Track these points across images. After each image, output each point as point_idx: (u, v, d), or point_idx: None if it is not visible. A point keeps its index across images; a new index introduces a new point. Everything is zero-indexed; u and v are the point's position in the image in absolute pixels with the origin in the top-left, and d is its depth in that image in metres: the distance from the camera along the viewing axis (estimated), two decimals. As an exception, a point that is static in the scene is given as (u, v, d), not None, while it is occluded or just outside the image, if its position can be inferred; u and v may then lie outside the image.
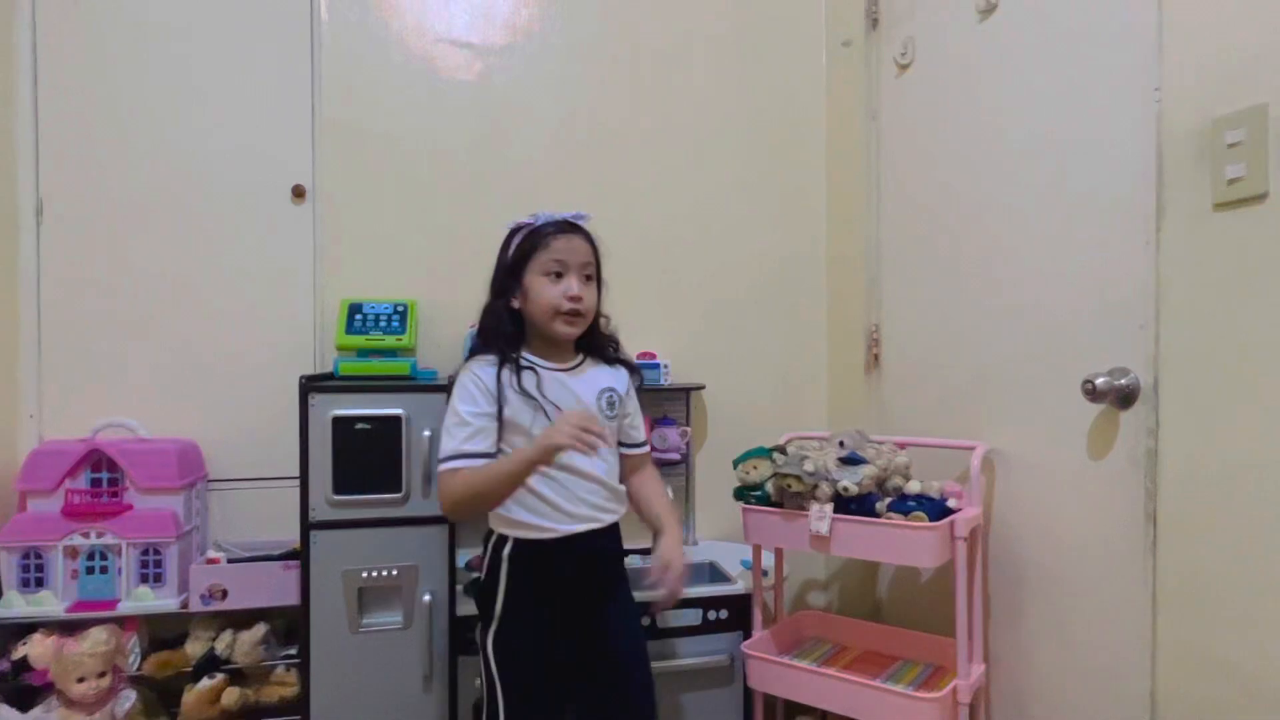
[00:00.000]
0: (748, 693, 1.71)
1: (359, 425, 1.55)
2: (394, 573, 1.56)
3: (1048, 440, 1.41)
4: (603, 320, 1.43)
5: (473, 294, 1.99)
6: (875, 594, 2.01)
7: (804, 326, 2.25)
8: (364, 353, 1.80)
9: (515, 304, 1.34)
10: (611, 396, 1.38)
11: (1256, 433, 1.02)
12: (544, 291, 1.31)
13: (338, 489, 1.53)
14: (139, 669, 1.62)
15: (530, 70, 2.06)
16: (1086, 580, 1.33)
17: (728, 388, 2.18)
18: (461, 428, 1.26)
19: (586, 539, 1.31)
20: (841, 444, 1.62)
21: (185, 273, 1.86)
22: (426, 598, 1.57)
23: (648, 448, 1.52)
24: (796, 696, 1.54)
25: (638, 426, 1.47)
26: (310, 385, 1.54)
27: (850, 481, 1.43)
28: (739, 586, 1.76)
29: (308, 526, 1.53)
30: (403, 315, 1.85)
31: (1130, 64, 1.23)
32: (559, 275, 1.31)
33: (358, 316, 1.83)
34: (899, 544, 1.38)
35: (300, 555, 1.54)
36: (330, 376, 1.75)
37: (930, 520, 1.37)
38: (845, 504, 1.45)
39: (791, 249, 2.24)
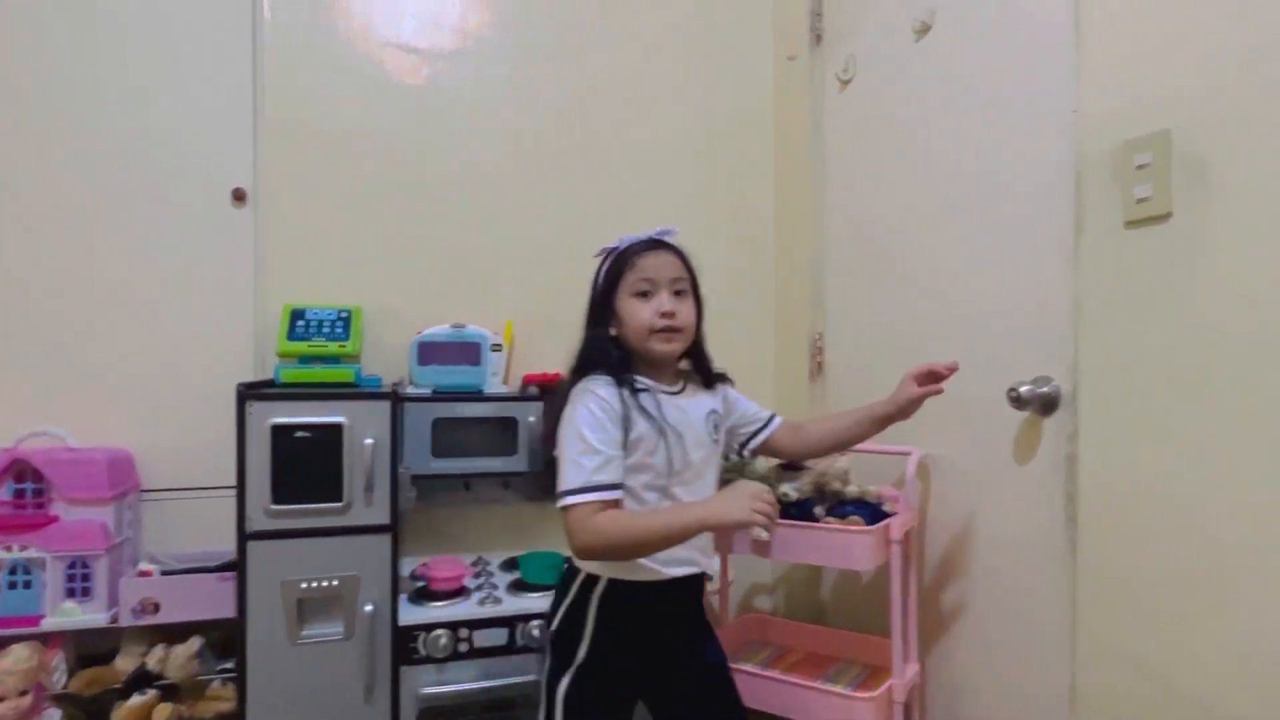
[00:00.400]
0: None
1: (299, 433, 1.52)
2: (335, 583, 1.54)
3: (977, 446, 1.47)
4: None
5: (418, 300, 1.99)
6: (819, 597, 2.05)
7: (752, 334, 2.29)
8: (306, 359, 1.77)
9: (613, 331, 1.28)
10: (715, 419, 1.32)
11: (1166, 438, 1.08)
12: (636, 312, 1.24)
13: (276, 498, 1.51)
14: (65, 686, 1.56)
15: (480, 76, 2.06)
16: (1013, 581, 1.39)
17: (676, 394, 2.20)
18: (590, 456, 1.14)
19: (683, 584, 1.25)
20: (784, 450, 1.65)
21: (119, 276, 1.81)
22: (368, 608, 1.55)
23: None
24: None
25: (754, 409, 1.43)
26: (248, 393, 1.51)
27: (791, 488, 1.46)
28: (685, 592, 1.78)
29: (244, 537, 1.50)
30: (347, 321, 1.83)
31: (1051, 86, 1.29)
32: (648, 294, 1.25)
33: (300, 322, 1.80)
34: (836, 548, 1.41)
35: (237, 566, 1.51)
36: (271, 384, 1.72)
37: (866, 524, 1.41)
38: (786, 510, 1.49)
39: (741, 258, 2.28)
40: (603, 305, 1.29)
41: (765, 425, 1.41)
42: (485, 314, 2.02)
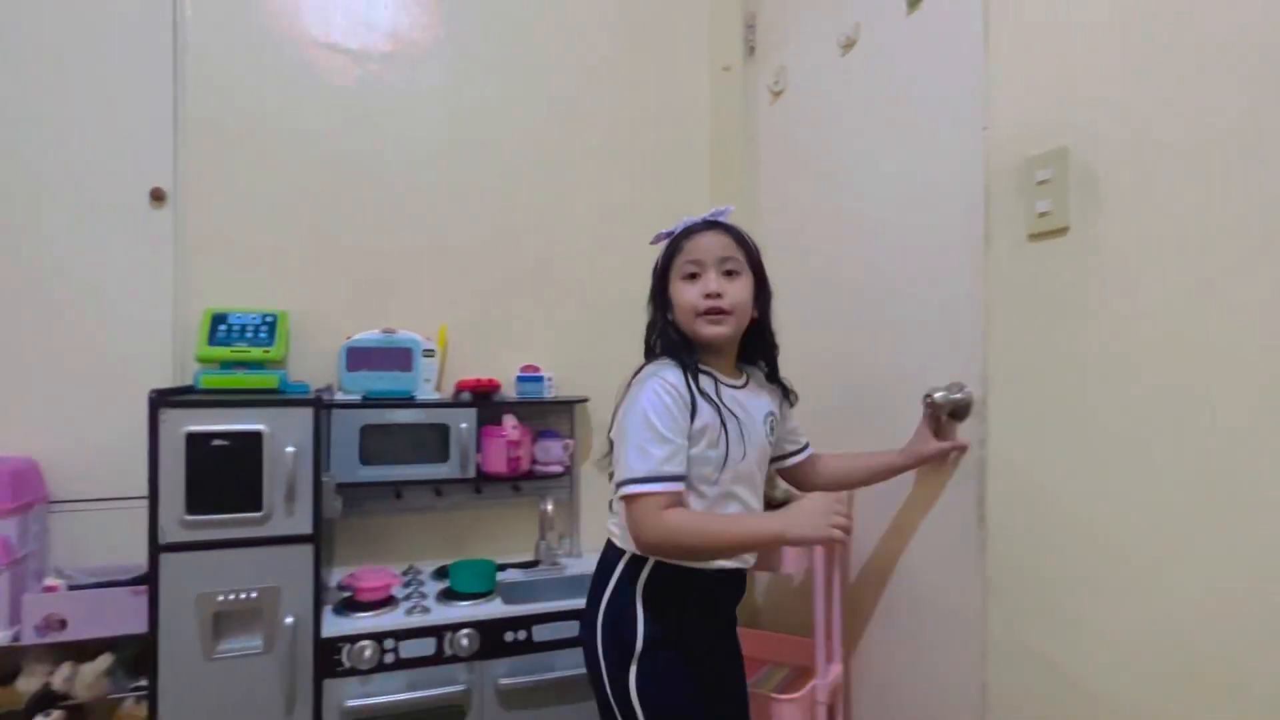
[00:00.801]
0: (624, 702, 1.72)
1: (215, 442, 1.48)
2: (253, 595, 1.49)
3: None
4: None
5: (348, 304, 1.96)
6: (753, 599, 2.08)
7: (688, 340, 2.31)
8: (228, 365, 1.72)
9: (670, 316, 1.26)
10: (772, 421, 1.30)
11: (1067, 443, 1.12)
12: (683, 294, 1.22)
13: (191, 509, 1.46)
14: (-39, 710, 1.49)
15: (412, 79, 2.04)
16: (930, 581, 1.42)
17: (610, 400, 2.20)
18: (660, 445, 1.11)
19: (729, 579, 1.25)
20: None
21: (28, 276, 1.72)
22: (289, 620, 1.51)
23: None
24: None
25: (797, 429, 1.42)
26: (161, 400, 1.46)
27: (716, 492, 1.47)
28: (617, 597, 1.78)
29: (157, 549, 1.45)
30: (271, 326, 1.79)
31: (964, 104, 1.34)
32: (696, 275, 1.22)
33: (222, 327, 1.75)
34: (762, 552, 1.43)
35: (149, 579, 1.45)
36: (190, 390, 1.67)
37: (790, 528, 1.42)
38: (713, 514, 1.50)
39: (677, 265, 2.30)
40: (659, 290, 1.28)
41: (799, 450, 1.42)
42: (418, 319, 1.99)
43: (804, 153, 1.85)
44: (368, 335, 1.92)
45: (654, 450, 1.11)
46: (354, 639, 1.57)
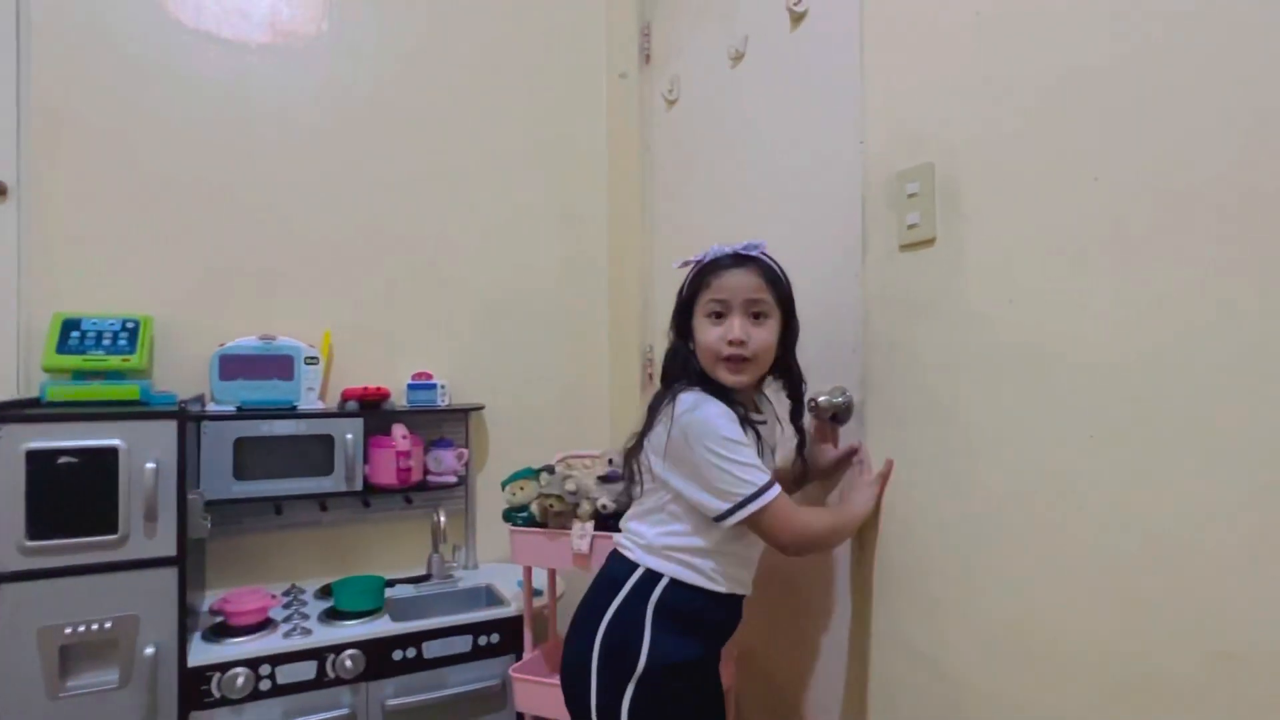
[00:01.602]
0: (521, 717, 1.69)
1: (63, 459, 1.35)
2: (107, 625, 1.38)
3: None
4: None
5: (221, 310, 1.83)
6: (651, 605, 2.08)
7: (588, 346, 2.30)
8: (81, 375, 1.58)
9: (692, 346, 1.21)
10: (794, 470, 1.34)
11: (939, 441, 1.18)
12: (705, 334, 1.17)
13: (33, 533, 1.33)
14: None
15: (292, 73, 1.94)
16: (820, 578, 1.46)
17: (510, 408, 2.17)
18: (752, 453, 1.12)
19: (737, 605, 1.21)
20: (610, 461, 1.67)
21: None
22: (149, 650, 1.40)
23: None
24: (561, 715, 1.54)
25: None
26: (-3, 414, 1.33)
27: (607, 499, 1.47)
28: (512, 609, 1.75)
29: (-9, 579, 1.31)
30: (133, 333, 1.66)
31: (843, 119, 1.39)
32: (720, 315, 1.17)
33: (74, 333, 1.61)
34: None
35: (-18, 614, 1.31)
36: (36, 403, 1.53)
37: (681, 533, 1.43)
38: (605, 520, 1.49)
39: (575, 274, 2.29)
40: (682, 318, 1.23)
41: None
42: (299, 324, 1.90)
43: (696, 160, 1.88)
44: (244, 342, 1.81)
45: (746, 459, 1.10)
46: (225, 666, 1.47)
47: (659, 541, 1.16)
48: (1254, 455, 0.78)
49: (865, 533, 1.32)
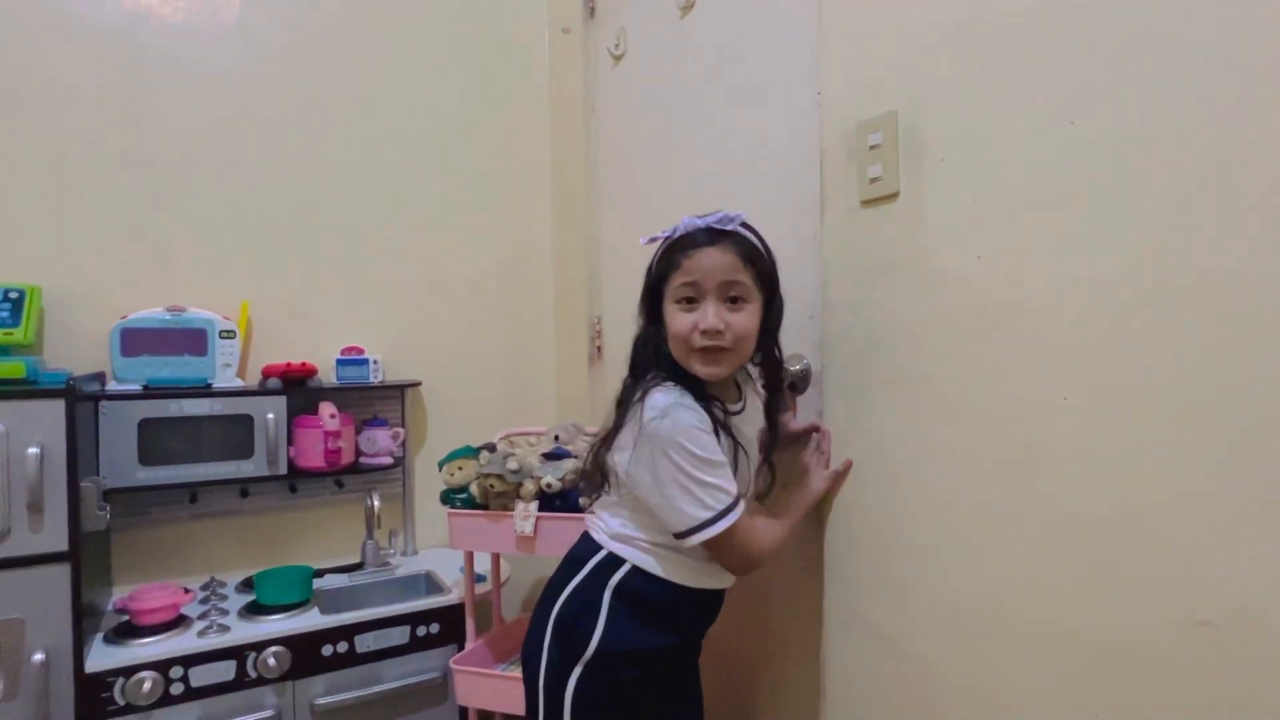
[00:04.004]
0: (464, 711, 1.60)
1: (-75, 445, 1.19)
2: (-13, 631, 1.22)
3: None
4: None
5: (122, 279, 1.66)
6: (602, 587, 2.00)
7: (532, 319, 2.19)
8: (-46, 351, 1.41)
9: (664, 333, 1.09)
10: (763, 437, 1.19)
11: (897, 407, 1.12)
12: (676, 322, 1.05)
13: (-108, 531, 1.17)
14: None
15: (198, 21, 1.76)
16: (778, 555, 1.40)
17: (450, 384, 2.04)
18: (714, 471, 1.01)
19: (712, 598, 1.14)
20: (557, 438, 1.57)
21: None
22: (38, 657, 1.25)
23: None
24: (504, 708, 1.46)
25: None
26: None
27: (553, 478, 1.37)
28: (453, 597, 1.65)
29: None
30: (17, 304, 1.49)
31: (798, 69, 1.30)
32: (692, 300, 1.05)
33: (-54, 305, 1.43)
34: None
35: None
36: (-101, 383, 1.35)
37: (632, 512, 1.35)
38: (551, 501, 1.40)
39: (518, 240, 2.17)
40: (652, 300, 1.11)
41: None
42: (213, 295, 1.74)
43: (645, 117, 1.77)
44: (149, 314, 1.64)
45: (721, 475, 1.02)
46: (129, 670, 1.34)
47: (624, 531, 1.10)
48: (1235, 418, 0.73)
49: (823, 506, 1.26)
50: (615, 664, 1.05)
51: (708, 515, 1.01)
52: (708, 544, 1.03)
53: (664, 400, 1.03)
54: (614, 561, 1.09)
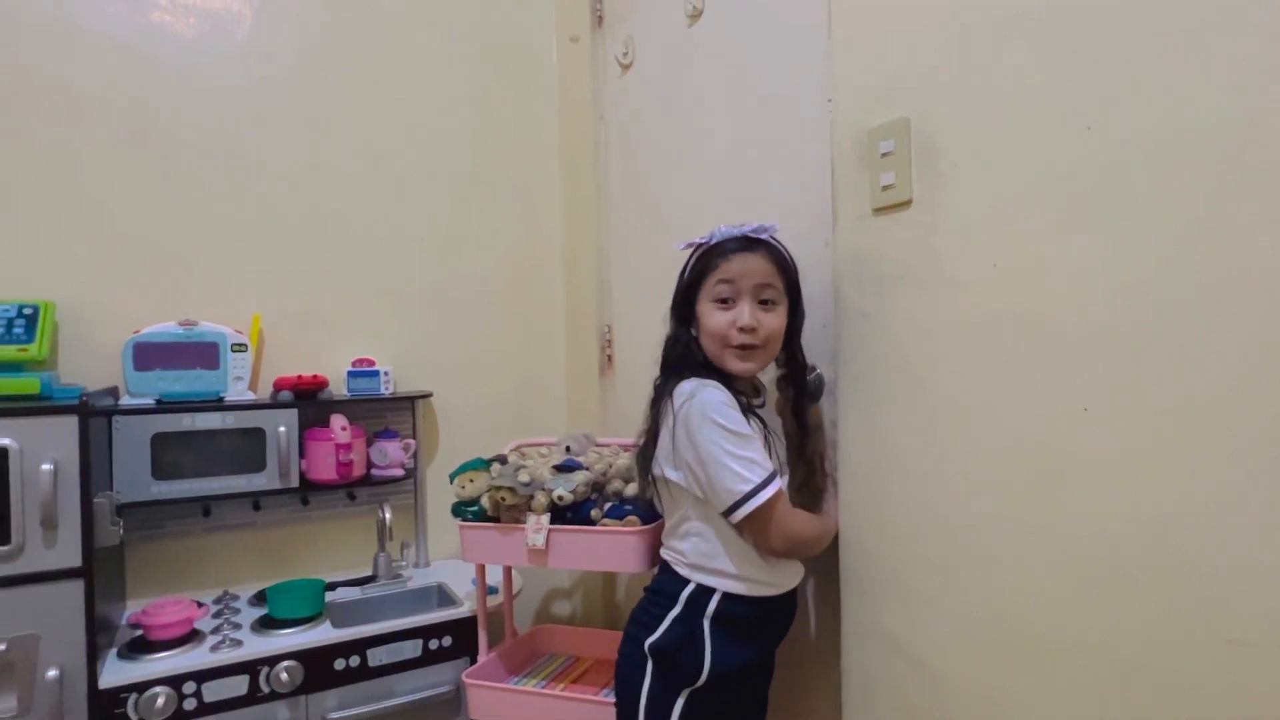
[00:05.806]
0: (477, 723, 1.59)
1: (-60, 463, 1.19)
2: (2, 647, 1.22)
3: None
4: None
5: (135, 293, 1.66)
6: (615, 599, 1.99)
7: (542, 329, 2.18)
8: (-31, 368, 1.41)
9: (695, 332, 1.18)
10: (789, 430, 1.27)
11: (914, 417, 1.10)
12: (712, 320, 1.14)
13: (-94, 548, 1.17)
14: None
15: (212, 33, 1.77)
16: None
17: (461, 394, 2.04)
18: (752, 444, 1.08)
19: (788, 600, 1.20)
20: (568, 449, 1.56)
21: None
22: (52, 673, 1.25)
23: None
24: (518, 722, 1.45)
25: None
26: None
27: (564, 490, 1.36)
28: (465, 609, 1.64)
29: None
30: (31, 319, 1.50)
31: (809, 75, 1.29)
32: (727, 301, 1.13)
33: (-40, 322, 1.44)
34: (612, 550, 1.34)
35: None
36: (-85, 400, 1.35)
37: (644, 523, 1.34)
38: (563, 513, 1.39)
39: (528, 250, 2.16)
40: (684, 304, 1.19)
41: None
42: (225, 308, 1.75)
43: (654, 126, 1.77)
44: (161, 328, 1.65)
45: (745, 452, 1.07)
46: (143, 686, 1.34)
47: (699, 560, 1.15)
48: (1263, 429, 0.71)
49: (844, 519, 1.24)
50: (722, 688, 1.12)
51: (747, 488, 1.06)
52: (751, 523, 1.08)
53: (690, 385, 1.12)
54: (704, 591, 1.14)
